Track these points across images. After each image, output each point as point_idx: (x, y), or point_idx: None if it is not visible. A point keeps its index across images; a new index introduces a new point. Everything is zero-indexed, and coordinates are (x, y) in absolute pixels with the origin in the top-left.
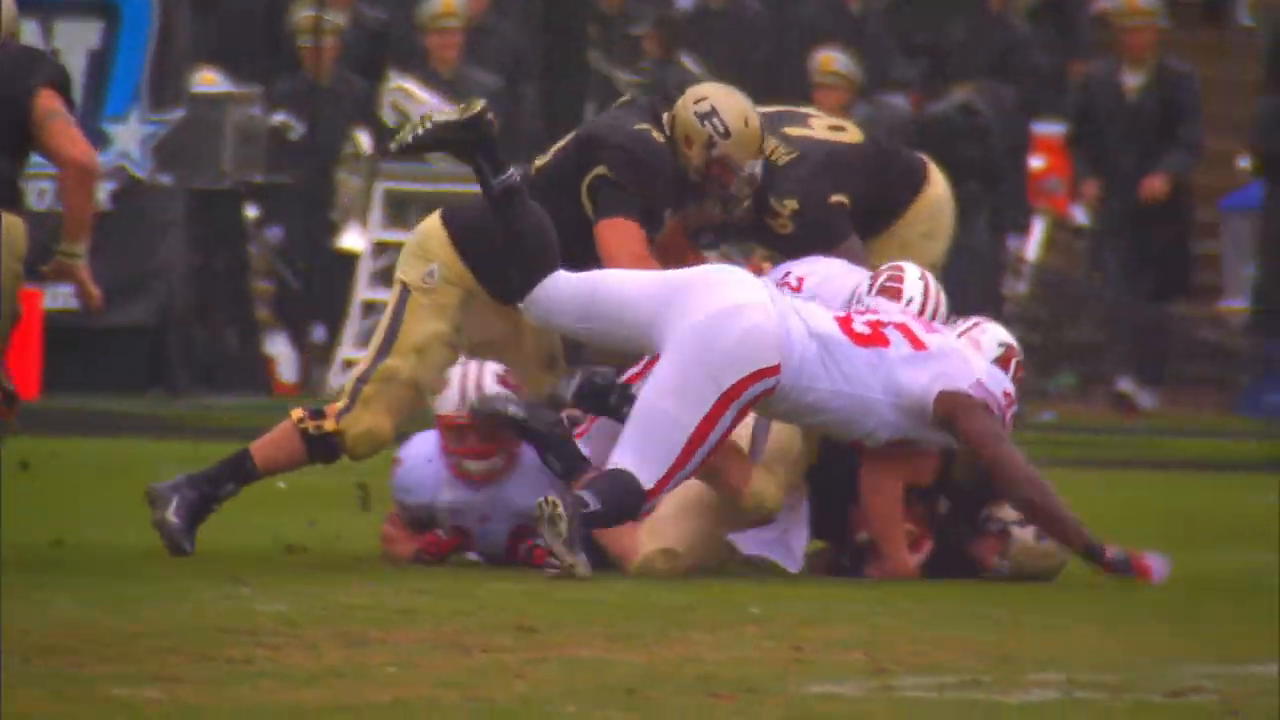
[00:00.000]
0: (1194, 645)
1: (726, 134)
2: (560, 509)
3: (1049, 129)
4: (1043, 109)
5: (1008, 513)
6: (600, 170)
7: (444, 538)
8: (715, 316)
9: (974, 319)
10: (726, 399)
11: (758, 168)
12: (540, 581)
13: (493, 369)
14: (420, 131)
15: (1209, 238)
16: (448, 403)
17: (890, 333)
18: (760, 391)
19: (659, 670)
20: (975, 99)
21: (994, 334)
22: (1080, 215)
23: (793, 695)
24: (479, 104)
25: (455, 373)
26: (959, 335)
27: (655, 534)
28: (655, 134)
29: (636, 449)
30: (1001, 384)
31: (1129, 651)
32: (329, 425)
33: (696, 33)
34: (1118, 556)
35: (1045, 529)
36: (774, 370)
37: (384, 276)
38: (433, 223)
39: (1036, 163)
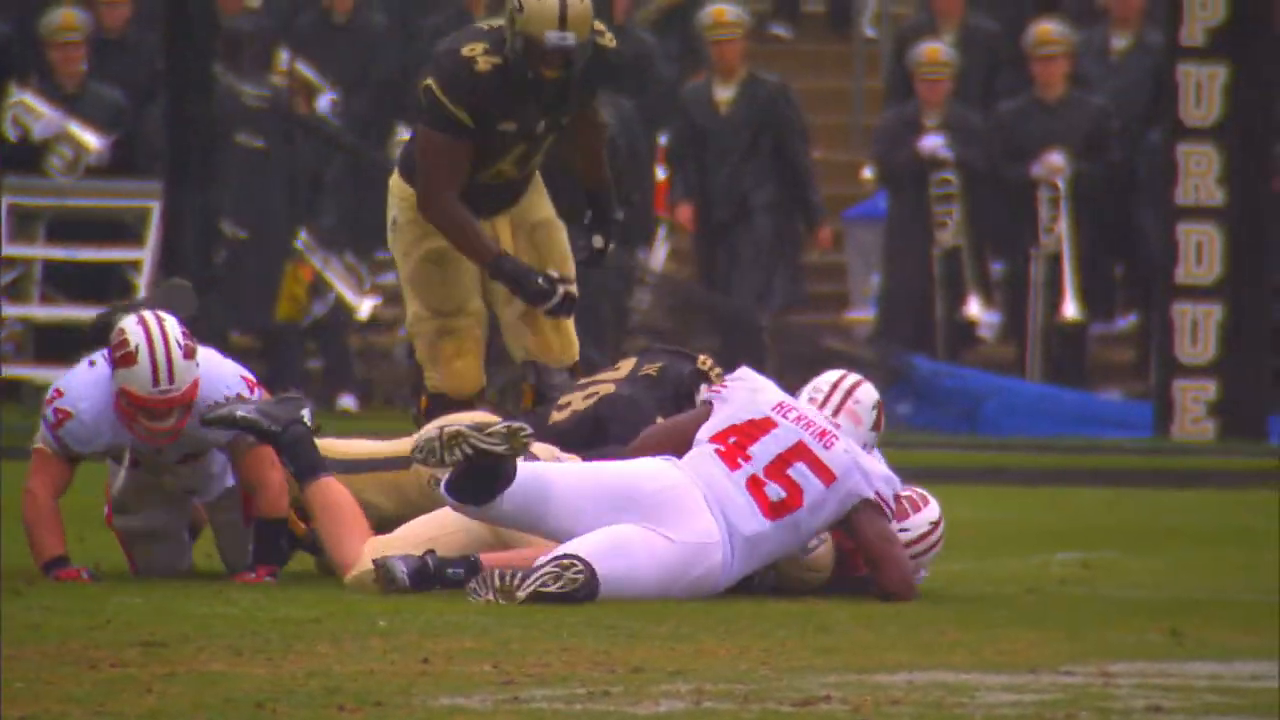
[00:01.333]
0: (826, 656)
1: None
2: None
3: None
4: (665, 120)
5: None
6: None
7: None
8: (679, 552)
9: (843, 375)
10: None
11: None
12: (167, 595)
13: (175, 335)
14: (460, 452)
15: (835, 248)
16: (138, 381)
17: (799, 476)
18: None
19: (286, 684)
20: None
21: (867, 397)
22: None
23: (420, 708)
24: (524, 436)
25: (142, 348)
26: (836, 408)
27: (376, 550)
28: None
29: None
30: (893, 484)
31: (758, 663)
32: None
33: (319, 47)
34: None
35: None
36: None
37: (10, 291)
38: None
39: (661, 174)
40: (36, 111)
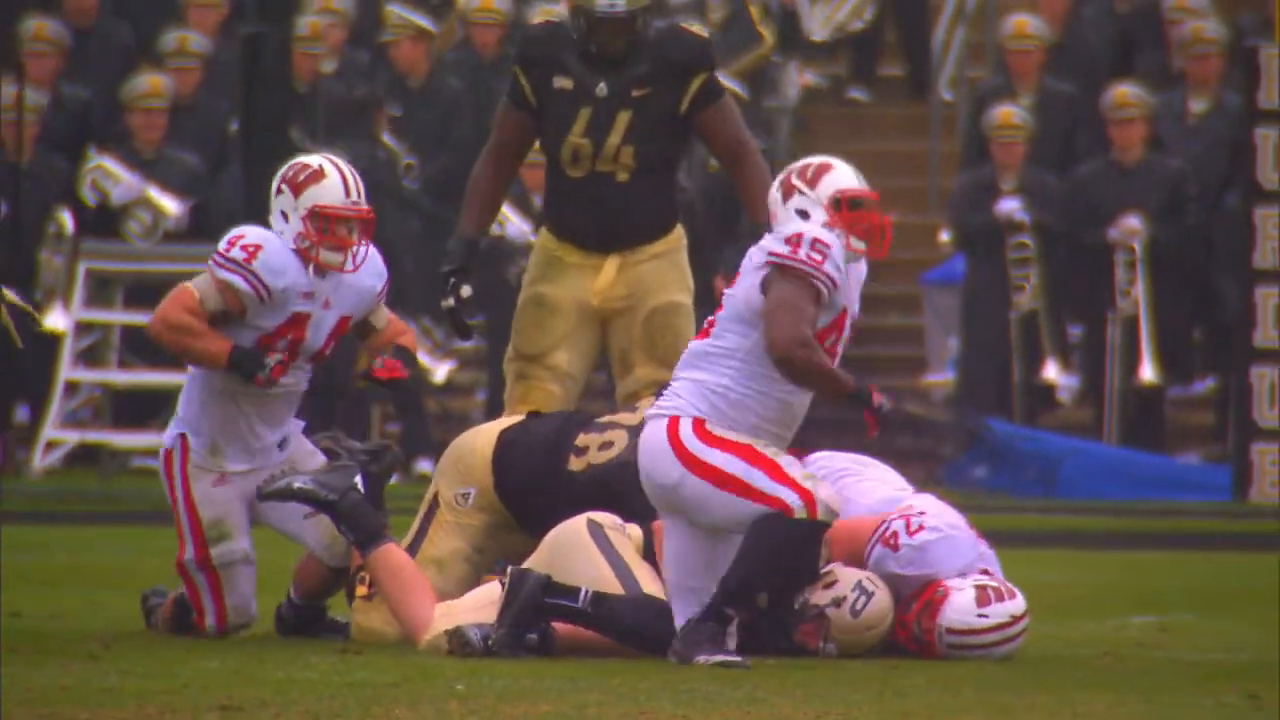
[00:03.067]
0: (903, 719)
1: None
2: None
3: None
4: None
5: (821, 596)
6: None
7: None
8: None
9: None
10: None
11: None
12: (243, 659)
13: None
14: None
15: (912, 311)
16: (331, 194)
17: None
18: None
19: None
20: (679, 178)
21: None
22: None
23: None
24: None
25: (327, 166)
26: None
27: (445, 615)
28: None
29: None
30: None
31: None
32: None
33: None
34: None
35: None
36: None
37: (87, 356)
38: (483, 442)
39: None
40: (115, 176)
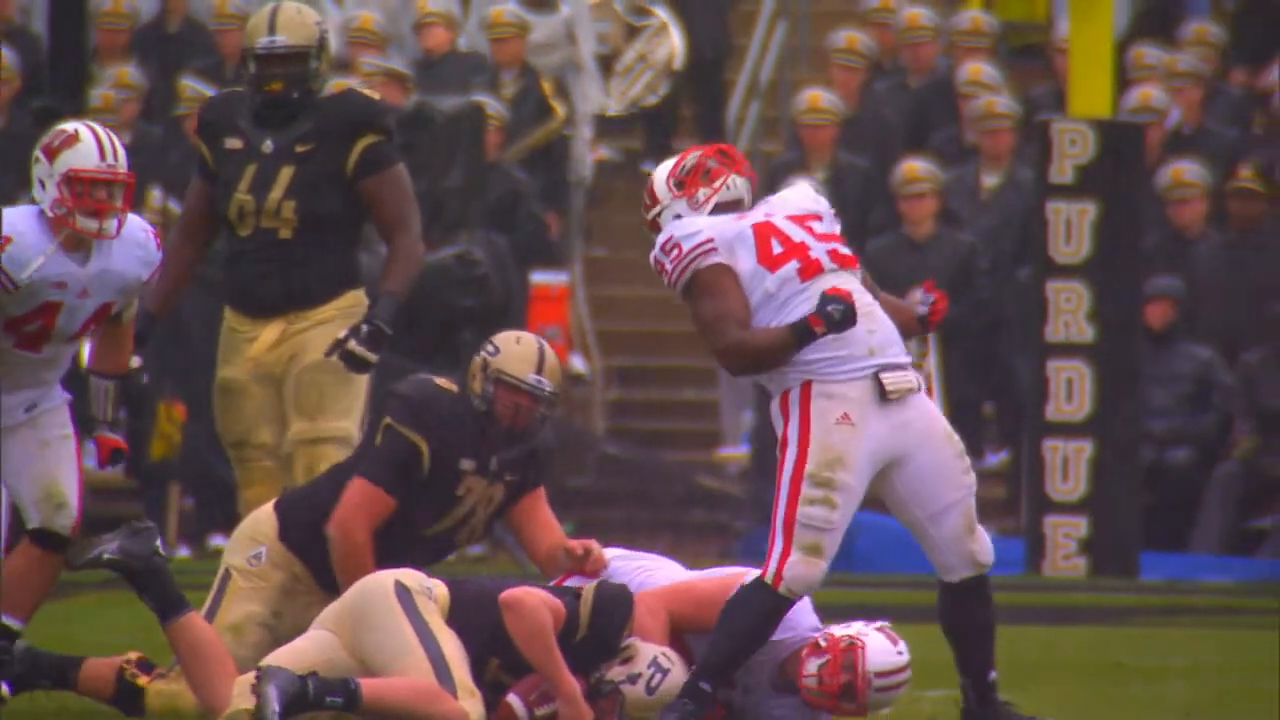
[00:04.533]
0: None
1: (495, 351)
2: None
3: (546, 277)
4: (537, 259)
5: (617, 672)
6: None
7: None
8: None
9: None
10: None
11: (542, 385)
12: None
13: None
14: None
15: (707, 385)
16: (86, 157)
17: None
18: None
19: None
20: (472, 248)
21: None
22: (580, 364)
23: None
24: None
25: (83, 130)
26: None
27: (246, 692)
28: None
29: None
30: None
31: None
32: (142, 681)
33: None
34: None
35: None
36: None
37: None
38: (265, 509)
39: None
40: None
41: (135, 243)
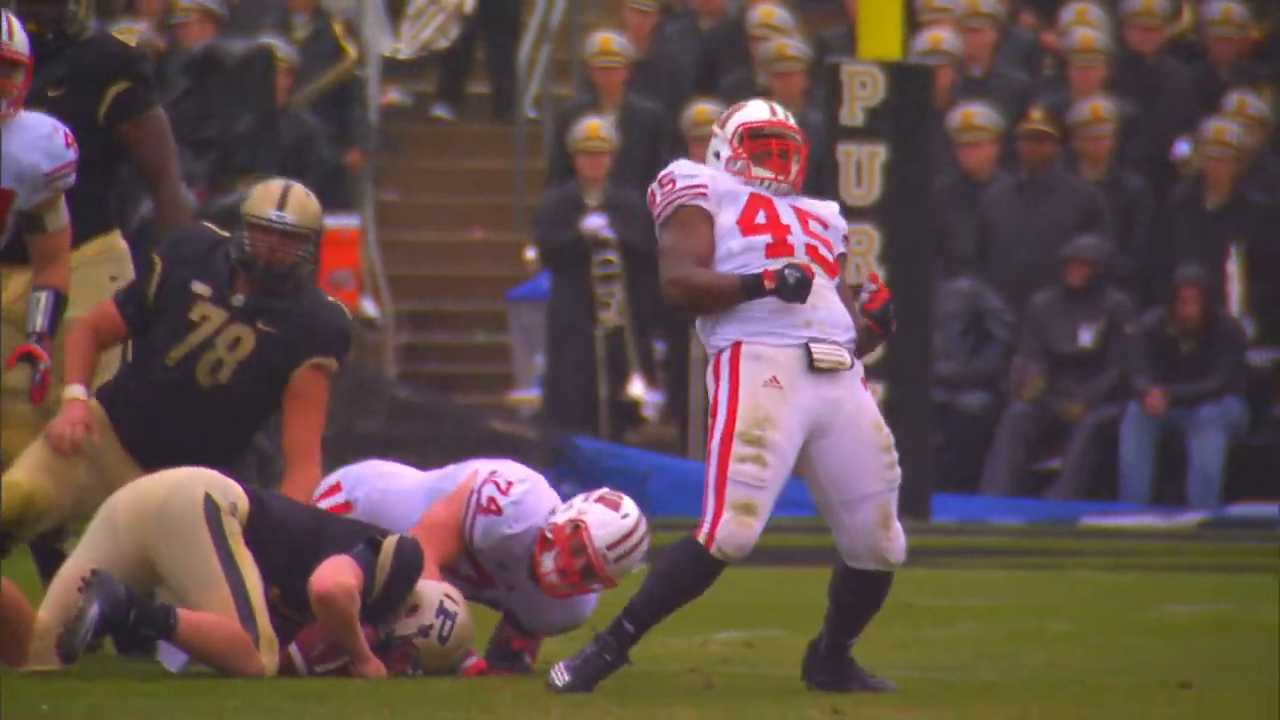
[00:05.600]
0: None
1: (245, 197)
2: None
3: (337, 221)
4: (328, 203)
5: (407, 625)
6: None
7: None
8: None
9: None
10: None
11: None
12: None
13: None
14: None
15: (499, 328)
16: None
17: None
18: None
19: None
20: None
21: None
22: (371, 308)
23: None
24: None
25: None
26: None
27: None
28: None
29: None
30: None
31: None
32: None
33: None
34: None
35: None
36: None
37: None
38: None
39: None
40: None
41: (39, 134)
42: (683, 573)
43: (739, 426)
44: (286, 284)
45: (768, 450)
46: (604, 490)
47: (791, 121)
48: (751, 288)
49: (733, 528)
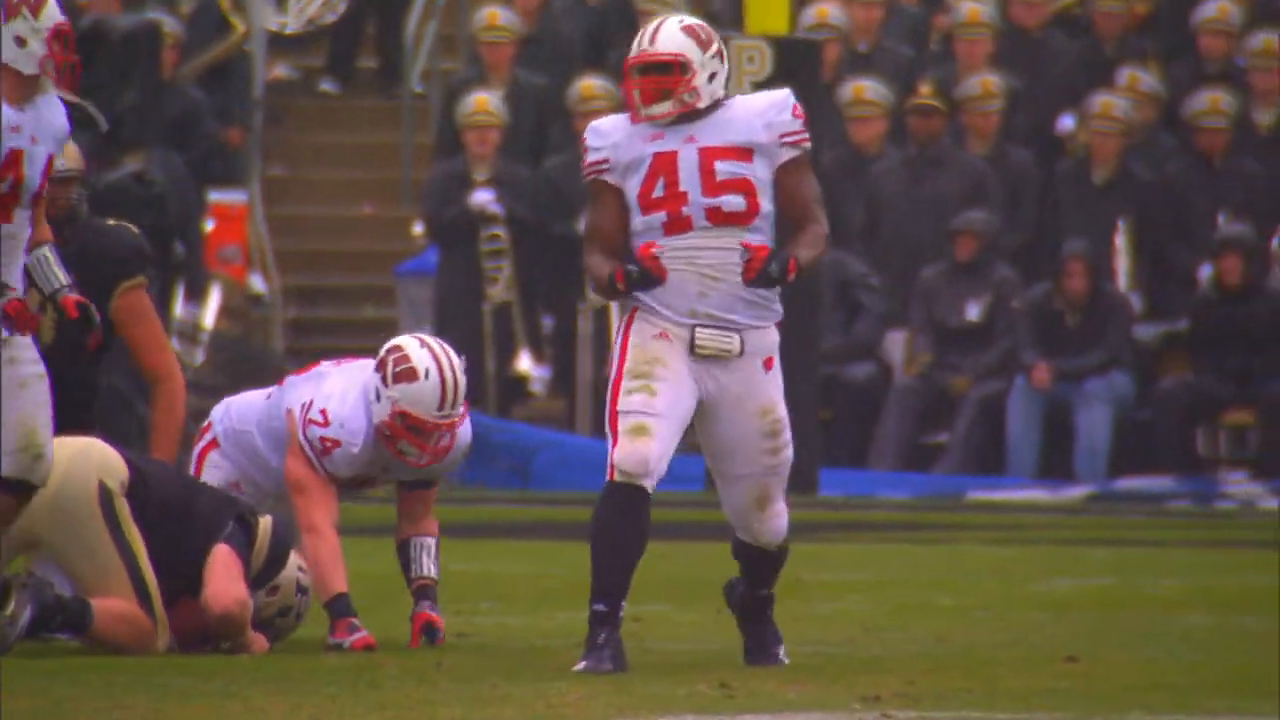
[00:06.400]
0: (379, 712)
1: None
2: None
3: (224, 196)
4: (215, 176)
5: (269, 606)
6: None
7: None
8: None
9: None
10: None
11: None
12: None
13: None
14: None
15: (386, 303)
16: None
17: None
18: None
19: None
20: (149, 167)
21: None
22: (259, 283)
23: None
24: None
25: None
26: None
27: None
28: None
29: None
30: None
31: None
32: None
33: None
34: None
35: None
36: None
37: None
38: None
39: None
40: None
41: (48, 96)
42: (604, 521)
43: (627, 367)
44: (66, 229)
45: (655, 381)
46: (387, 354)
47: (670, 47)
48: (612, 285)
49: (627, 448)
